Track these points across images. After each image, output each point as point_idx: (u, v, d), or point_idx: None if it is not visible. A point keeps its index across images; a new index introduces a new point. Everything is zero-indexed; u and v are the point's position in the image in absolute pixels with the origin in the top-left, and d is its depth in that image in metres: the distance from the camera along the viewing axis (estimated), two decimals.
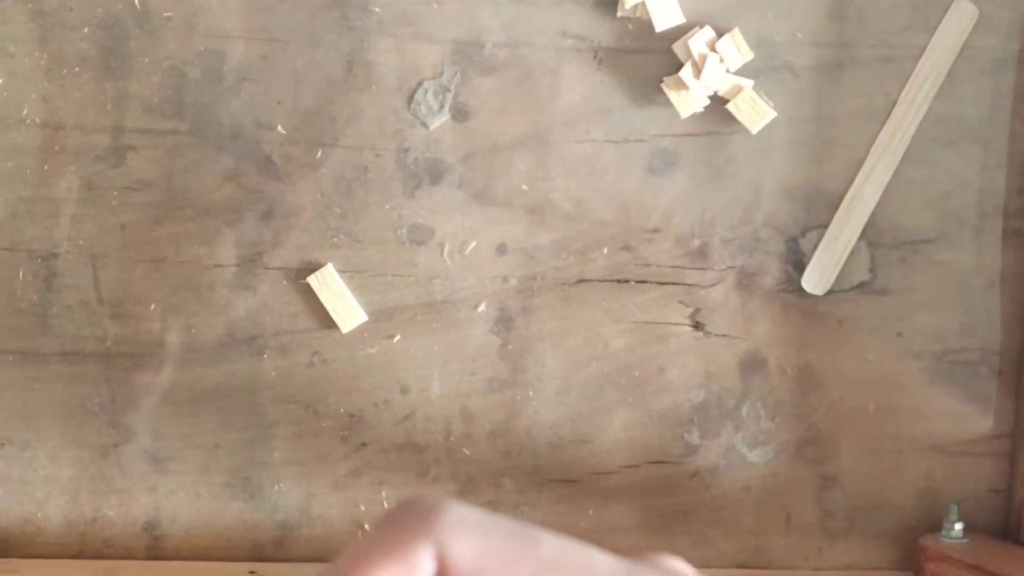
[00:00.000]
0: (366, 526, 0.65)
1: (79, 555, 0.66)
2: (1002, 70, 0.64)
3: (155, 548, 0.66)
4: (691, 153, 0.64)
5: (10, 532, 0.66)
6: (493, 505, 0.66)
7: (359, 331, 0.65)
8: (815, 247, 0.65)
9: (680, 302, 0.65)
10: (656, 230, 0.65)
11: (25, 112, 0.63)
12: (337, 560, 0.27)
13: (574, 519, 0.67)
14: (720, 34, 0.63)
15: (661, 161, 0.64)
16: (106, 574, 0.64)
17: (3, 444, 0.66)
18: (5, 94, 0.63)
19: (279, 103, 0.64)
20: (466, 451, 0.66)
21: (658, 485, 0.67)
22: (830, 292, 0.65)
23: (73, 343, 0.65)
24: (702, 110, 0.63)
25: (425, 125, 0.64)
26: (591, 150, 0.64)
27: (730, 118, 0.63)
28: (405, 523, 0.27)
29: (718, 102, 0.63)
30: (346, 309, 0.65)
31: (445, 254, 0.65)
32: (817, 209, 0.65)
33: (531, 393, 0.66)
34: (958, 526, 0.64)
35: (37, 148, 0.64)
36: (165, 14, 0.63)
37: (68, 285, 0.65)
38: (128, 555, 0.66)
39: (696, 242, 0.65)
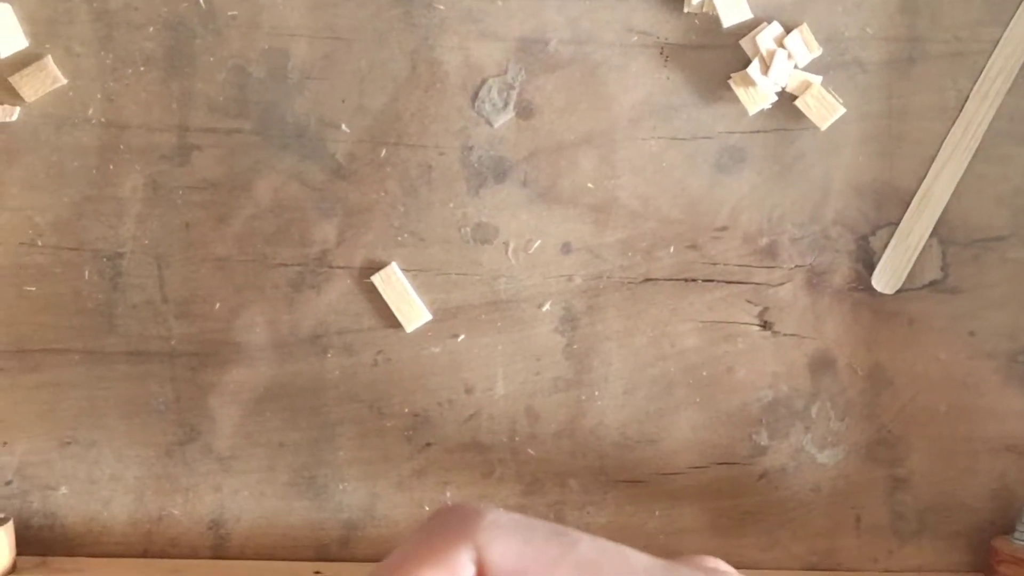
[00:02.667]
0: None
1: (144, 554, 0.66)
2: None
3: (220, 547, 0.66)
4: (759, 150, 0.63)
5: (76, 531, 0.66)
6: (559, 506, 0.66)
7: (423, 330, 0.65)
8: (885, 245, 0.64)
9: (748, 301, 0.65)
10: (724, 228, 0.64)
11: (91, 112, 0.63)
12: (380, 564, 0.28)
13: (641, 520, 0.66)
14: (788, 29, 0.62)
15: (729, 158, 0.64)
16: (171, 573, 0.64)
17: (69, 443, 0.66)
18: (71, 94, 0.63)
19: (343, 101, 0.63)
20: (531, 451, 0.66)
21: (726, 486, 0.66)
22: (901, 291, 0.64)
23: (138, 342, 0.65)
24: (770, 107, 0.62)
25: (489, 123, 0.64)
26: (657, 147, 0.64)
27: (799, 114, 0.62)
28: (445, 528, 0.28)
29: (786, 98, 0.62)
30: (410, 308, 0.64)
31: (510, 253, 0.65)
32: (887, 206, 0.64)
33: (596, 393, 0.65)
34: None
35: (102, 148, 0.64)
36: (230, 13, 0.63)
37: (133, 284, 0.65)
38: (193, 554, 0.66)
39: (764, 240, 0.64)
